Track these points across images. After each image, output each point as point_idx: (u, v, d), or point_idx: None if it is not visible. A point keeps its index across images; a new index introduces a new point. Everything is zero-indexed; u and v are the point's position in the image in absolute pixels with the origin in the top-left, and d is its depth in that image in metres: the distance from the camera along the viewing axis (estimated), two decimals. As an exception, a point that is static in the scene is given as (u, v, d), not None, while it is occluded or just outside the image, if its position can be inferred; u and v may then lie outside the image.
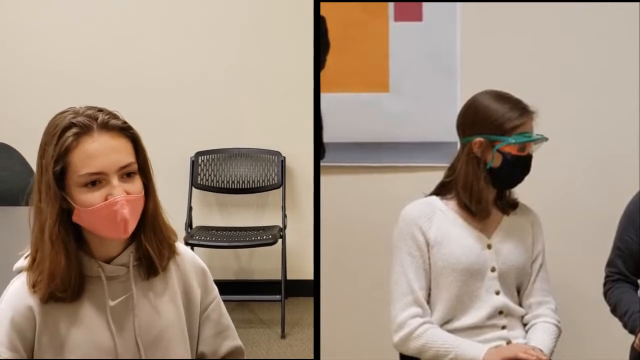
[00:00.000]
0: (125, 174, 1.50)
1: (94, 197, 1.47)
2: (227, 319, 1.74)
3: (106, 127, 1.48)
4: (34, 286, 1.51)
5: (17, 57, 4.19)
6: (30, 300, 1.52)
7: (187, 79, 4.19)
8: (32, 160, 3.61)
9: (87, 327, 1.54)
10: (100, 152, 1.46)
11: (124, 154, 1.49)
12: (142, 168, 1.54)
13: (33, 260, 1.53)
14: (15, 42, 4.18)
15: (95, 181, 1.47)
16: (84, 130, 1.47)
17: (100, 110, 1.52)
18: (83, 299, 1.54)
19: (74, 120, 1.47)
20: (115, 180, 1.47)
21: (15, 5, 4.16)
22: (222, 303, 1.74)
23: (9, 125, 4.08)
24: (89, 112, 1.50)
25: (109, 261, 1.57)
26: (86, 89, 4.08)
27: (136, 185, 1.52)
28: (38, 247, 1.51)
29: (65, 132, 1.46)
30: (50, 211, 1.47)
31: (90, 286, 1.55)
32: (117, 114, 1.54)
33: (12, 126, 4.04)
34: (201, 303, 1.69)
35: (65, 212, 1.50)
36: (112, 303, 1.55)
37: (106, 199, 1.47)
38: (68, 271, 1.49)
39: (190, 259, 1.70)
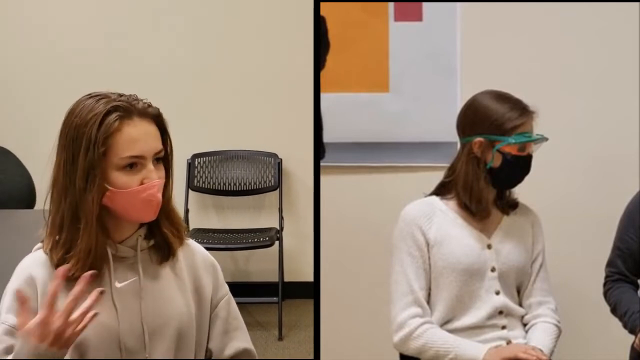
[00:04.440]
0: (156, 160, 1.55)
1: (132, 180, 1.52)
2: (236, 319, 1.73)
3: (145, 113, 1.54)
4: (57, 265, 1.51)
5: (15, 57, 4.18)
6: (38, 274, 1.54)
7: (183, 80, 4.18)
8: (28, 163, 3.61)
9: (94, 306, 1.54)
10: (141, 136, 1.52)
11: (157, 141, 1.56)
12: (167, 155, 1.59)
13: (56, 240, 1.53)
14: (14, 43, 4.17)
15: (133, 164, 1.52)
16: (126, 114, 1.52)
17: (132, 97, 1.56)
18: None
19: (115, 104, 1.51)
20: (151, 165, 1.53)
21: (15, 6, 4.16)
22: (232, 302, 1.74)
23: (5, 128, 4.07)
24: (124, 97, 1.55)
25: (118, 243, 1.59)
26: (84, 89, 4.06)
27: (162, 171, 1.57)
28: (65, 226, 1.52)
29: (109, 115, 1.50)
30: (96, 191, 1.49)
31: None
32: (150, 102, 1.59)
33: (9, 129, 4.03)
34: (212, 299, 1.69)
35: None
36: (119, 285, 1.57)
37: (142, 183, 1.52)
38: (103, 248, 1.53)
39: (200, 253, 1.73)
